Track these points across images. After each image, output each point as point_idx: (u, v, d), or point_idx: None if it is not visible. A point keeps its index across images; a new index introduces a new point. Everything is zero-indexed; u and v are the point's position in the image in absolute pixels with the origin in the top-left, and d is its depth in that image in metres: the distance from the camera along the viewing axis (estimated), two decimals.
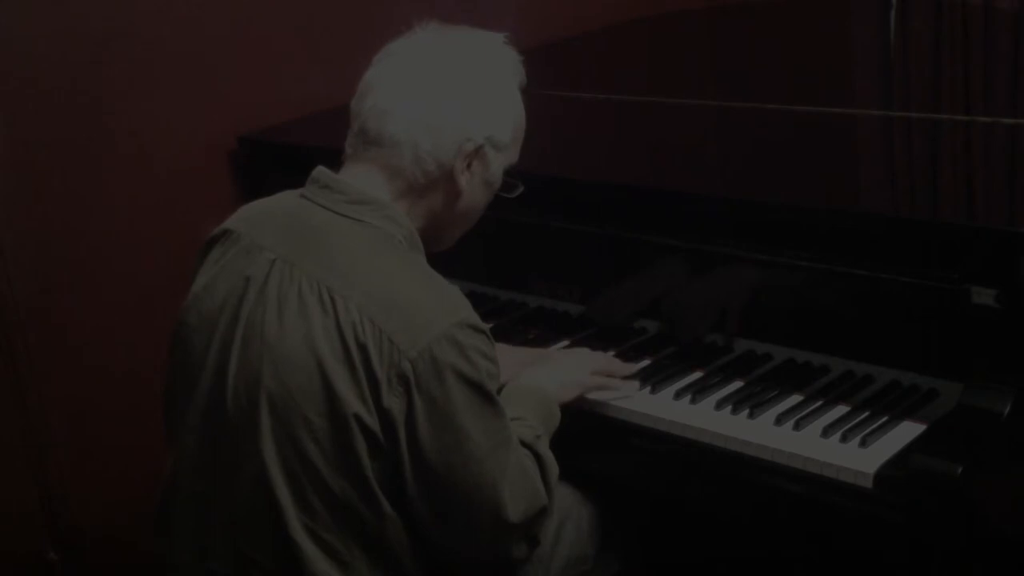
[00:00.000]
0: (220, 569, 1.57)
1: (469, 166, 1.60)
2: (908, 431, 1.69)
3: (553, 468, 1.64)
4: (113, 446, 2.43)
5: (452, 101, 1.57)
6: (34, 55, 2.27)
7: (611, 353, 1.97)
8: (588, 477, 1.89)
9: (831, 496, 1.65)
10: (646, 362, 1.95)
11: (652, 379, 1.89)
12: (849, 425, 1.71)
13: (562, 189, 2.08)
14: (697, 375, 1.90)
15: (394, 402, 1.45)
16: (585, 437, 1.88)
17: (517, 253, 2.17)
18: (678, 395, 1.86)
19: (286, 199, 1.64)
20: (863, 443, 1.67)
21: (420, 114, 1.56)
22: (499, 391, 1.57)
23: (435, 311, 1.49)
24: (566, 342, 2.05)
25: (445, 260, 2.18)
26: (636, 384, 1.88)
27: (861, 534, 1.66)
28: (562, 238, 2.08)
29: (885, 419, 1.71)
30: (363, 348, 1.45)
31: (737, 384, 1.87)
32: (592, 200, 2.04)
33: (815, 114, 2.37)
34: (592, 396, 1.86)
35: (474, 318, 1.52)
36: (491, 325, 2.12)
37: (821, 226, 1.80)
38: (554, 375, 1.83)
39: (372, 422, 1.46)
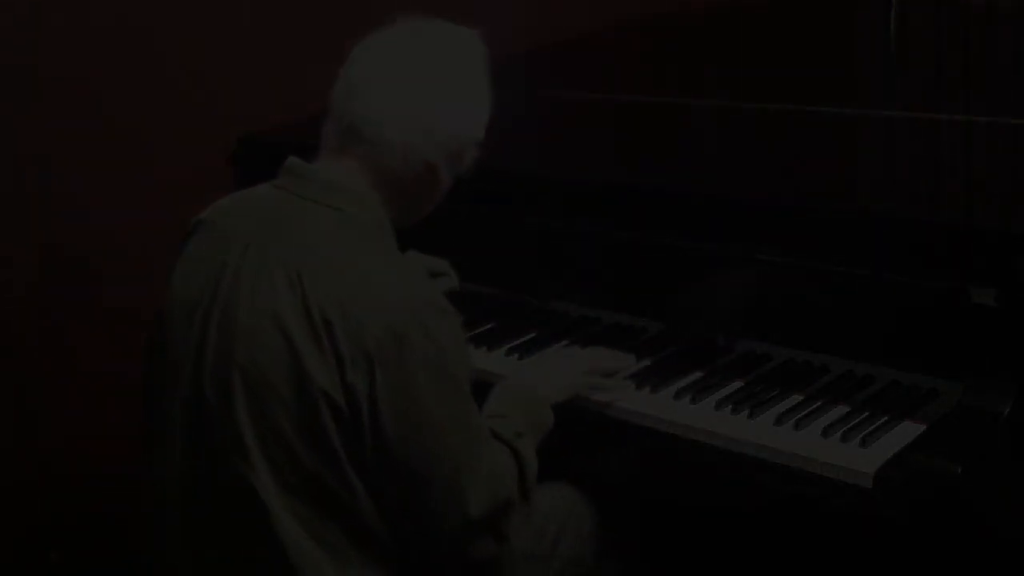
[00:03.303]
0: (207, 551, 1.59)
1: (449, 162, 1.64)
2: (908, 431, 1.69)
3: (531, 468, 1.64)
4: (114, 447, 2.42)
5: (445, 107, 1.61)
6: (35, 54, 2.27)
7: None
8: (588, 477, 1.89)
9: (831, 496, 1.65)
10: (646, 362, 1.95)
11: (652, 379, 1.89)
12: (849, 425, 1.71)
13: (563, 189, 2.08)
14: (697, 375, 1.90)
15: (357, 379, 1.48)
16: (585, 437, 1.88)
17: (518, 253, 2.17)
18: (678, 395, 1.85)
19: (260, 189, 1.66)
20: (863, 443, 1.67)
21: (416, 119, 1.59)
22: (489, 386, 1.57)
23: (401, 292, 1.52)
24: (566, 342, 2.05)
25: (447, 260, 2.18)
26: (631, 385, 1.88)
27: (861, 534, 1.66)
28: (562, 238, 2.08)
29: (885, 419, 1.71)
30: (328, 325, 1.48)
31: (737, 384, 1.87)
32: (593, 200, 2.04)
33: (815, 114, 2.37)
34: (592, 396, 1.86)
35: (441, 300, 1.55)
36: (491, 325, 2.14)
37: (821, 226, 1.80)
38: (547, 376, 1.84)
39: (339, 398, 1.48)
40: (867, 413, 1.74)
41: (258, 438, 1.51)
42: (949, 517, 1.55)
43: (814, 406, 1.77)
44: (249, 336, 1.51)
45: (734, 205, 1.90)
